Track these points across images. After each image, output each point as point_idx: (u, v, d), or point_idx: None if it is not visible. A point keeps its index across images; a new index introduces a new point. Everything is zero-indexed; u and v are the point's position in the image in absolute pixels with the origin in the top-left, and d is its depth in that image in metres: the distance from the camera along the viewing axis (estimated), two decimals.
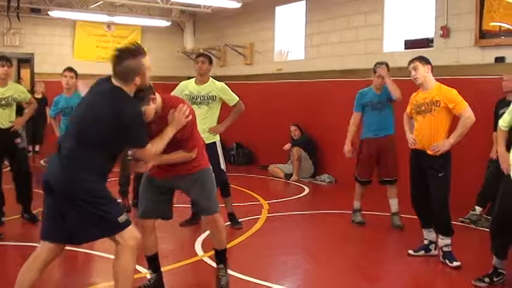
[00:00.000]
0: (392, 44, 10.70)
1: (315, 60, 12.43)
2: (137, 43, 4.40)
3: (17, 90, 7.57)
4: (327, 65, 11.99)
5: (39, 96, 15.29)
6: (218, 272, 5.23)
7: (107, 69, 8.49)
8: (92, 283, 5.53)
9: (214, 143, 7.26)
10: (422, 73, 6.11)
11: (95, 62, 15.65)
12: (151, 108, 4.54)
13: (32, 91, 15.57)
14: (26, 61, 16.44)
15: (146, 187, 5.07)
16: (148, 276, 5.21)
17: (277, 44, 14.00)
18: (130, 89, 4.25)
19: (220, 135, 7.48)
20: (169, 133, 4.60)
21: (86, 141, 4.14)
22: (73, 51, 16.14)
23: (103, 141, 4.15)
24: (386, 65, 7.85)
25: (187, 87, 7.47)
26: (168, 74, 15.56)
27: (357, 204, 8.02)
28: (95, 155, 4.14)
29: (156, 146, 4.48)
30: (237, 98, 7.50)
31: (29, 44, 15.69)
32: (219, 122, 7.50)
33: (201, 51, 15.54)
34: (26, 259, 4.28)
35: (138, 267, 5.73)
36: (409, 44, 10.29)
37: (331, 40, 12.00)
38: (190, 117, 4.73)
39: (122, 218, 4.20)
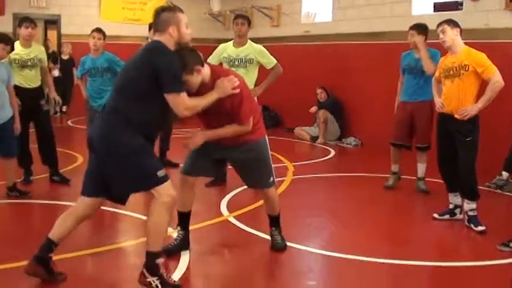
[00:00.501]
0: (421, 7, 10.55)
1: (342, 23, 12.32)
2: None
3: (41, 51, 7.64)
4: (354, 28, 11.87)
5: (66, 57, 15.41)
6: (272, 233, 5.37)
7: (133, 30, 8.51)
8: (118, 241, 5.63)
9: None
10: (451, 36, 6.04)
11: (122, 23, 15.68)
12: (195, 79, 4.56)
13: (59, 52, 15.69)
14: (52, 22, 16.53)
15: (202, 147, 4.96)
16: (175, 234, 5.29)
17: (305, 5, 13.88)
18: (167, 41, 4.36)
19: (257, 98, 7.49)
20: (212, 96, 4.58)
21: (126, 94, 4.29)
22: (100, 12, 16.15)
23: (142, 92, 4.24)
24: (423, 29, 7.50)
25: (225, 50, 7.51)
26: (194, 36, 15.41)
27: (393, 167, 7.95)
28: (135, 108, 4.23)
29: (194, 101, 4.42)
30: (275, 61, 7.51)
31: (56, 5, 15.74)
32: (256, 85, 7.50)
33: (228, 12, 15.51)
34: (52, 217, 4.36)
35: None
36: (438, 7, 10.14)
37: (358, 2, 11.87)
38: (238, 90, 4.72)
39: (160, 173, 4.27)
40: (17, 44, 7.45)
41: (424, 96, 7.49)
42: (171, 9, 4.46)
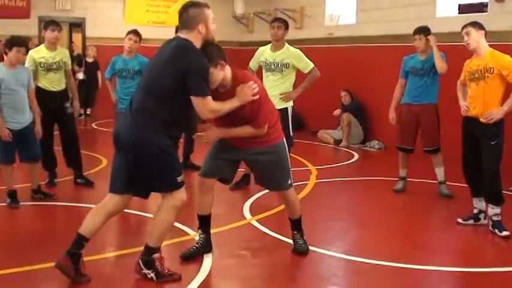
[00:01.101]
0: (446, 9, 10.48)
1: (366, 25, 12.28)
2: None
3: (65, 55, 7.69)
4: (378, 30, 11.83)
5: (90, 60, 15.51)
6: (294, 237, 5.37)
7: (157, 33, 8.53)
8: (140, 244, 5.60)
9: (286, 108, 7.33)
10: (476, 38, 5.99)
11: (146, 26, 15.73)
12: (218, 73, 4.60)
13: (83, 55, 15.81)
14: (77, 25, 16.67)
15: (216, 148, 5.11)
16: (197, 237, 5.31)
17: (328, 7, 13.85)
18: (195, 38, 4.45)
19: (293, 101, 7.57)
20: (233, 102, 4.65)
21: (154, 93, 4.38)
22: (124, 15, 16.25)
23: (169, 92, 4.33)
24: (425, 31, 7.58)
25: (263, 54, 7.54)
26: (218, 38, 15.43)
27: (400, 172, 7.93)
28: (162, 108, 4.33)
29: (218, 105, 4.53)
30: (312, 65, 7.50)
31: (80, 8, 15.88)
32: (293, 88, 7.53)
33: (252, 15, 15.52)
34: (76, 219, 4.41)
35: (187, 229, 5.87)
36: (463, 9, 10.09)
37: (382, 4, 11.82)
38: (258, 96, 4.73)
39: (180, 178, 4.49)
40: (42, 47, 7.54)
41: (429, 98, 7.54)
42: (199, 5, 4.51)
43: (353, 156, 10.89)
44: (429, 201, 7.53)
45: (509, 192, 7.48)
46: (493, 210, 6.03)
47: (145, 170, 4.44)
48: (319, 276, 5.02)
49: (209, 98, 4.38)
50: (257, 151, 4.99)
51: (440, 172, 7.68)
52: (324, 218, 6.61)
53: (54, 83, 7.48)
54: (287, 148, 5.19)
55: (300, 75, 7.67)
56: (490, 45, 6.12)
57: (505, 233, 5.91)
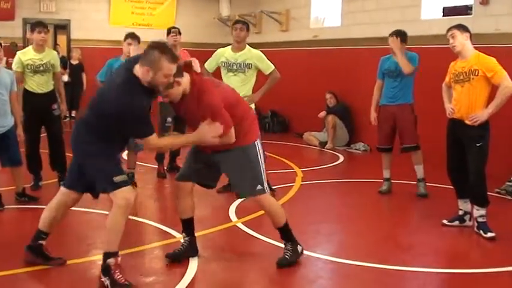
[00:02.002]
0: (430, 11, 10.52)
1: (352, 27, 12.30)
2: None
3: (54, 57, 7.62)
4: (363, 32, 11.85)
5: (75, 62, 15.41)
6: (284, 246, 5.20)
7: (142, 35, 8.46)
8: (127, 247, 5.54)
9: None
10: (461, 41, 6.02)
11: (131, 28, 15.66)
12: (175, 90, 4.61)
13: (68, 57, 15.73)
14: (62, 27, 16.57)
15: (192, 153, 5.10)
16: (182, 240, 5.27)
17: (314, 10, 13.86)
18: (142, 74, 4.38)
19: (255, 103, 7.49)
20: (187, 139, 4.81)
21: (97, 113, 4.52)
22: (109, 17, 16.18)
23: (109, 119, 4.41)
24: (400, 34, 7.66)
25: (223, 55, 7.49)
26: (203, 40, 15.59)
27: (384, 173, 8.01)
28: (101, 129, 4.49)
29: (161, 142, 4.76)
30: (273, 67, 7.49)
31: (65, 10, 15.79)
32: (254, 91, 7.50)
33: (237, 17, 15.51)
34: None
35: (172, 232, 5.86)
36: (447, 11, 10.12)
37: (367, 7, 11.84)
38: (217, 139, 4.67)
39: (118, 179, 4.49)
40: (30, 49, 7.46)
41: (404, 98, 7.66)
42: (162, 51, 4.36)
43: (338, 158, 10.90)
44: (414, 203, 7.58)
45: (495, 194, 7.54)
46: (478, 211, 6.05)
47: (86, 170, 4.61)
48: (305, 279, 5.00)
49: (150, 137, 4.46)
50: (226, 152, 4.89)
51: (419, 169, 7.77)
52: (309, 220, 6.59)
53: (41, 85, 7.41)
54: (260, 151, 5.01)
55: (260, 78, 7.63)
56: (475, 48, 6.15)
57: (490, 234, 5.93)
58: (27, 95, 7.28)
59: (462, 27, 6.07)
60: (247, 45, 7.52)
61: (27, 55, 7.36)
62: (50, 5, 15.58)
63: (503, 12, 9.04)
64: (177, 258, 5.08)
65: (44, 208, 4.92)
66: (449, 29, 6.11)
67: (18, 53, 7.47)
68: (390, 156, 7.91)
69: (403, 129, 7.71)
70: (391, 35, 7.71)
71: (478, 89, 5.94)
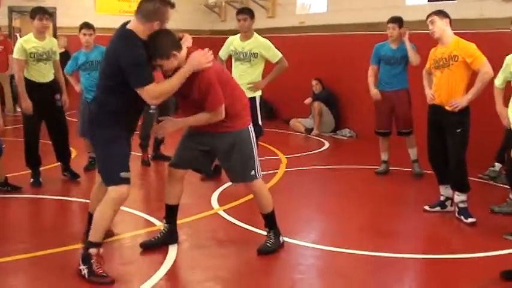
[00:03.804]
0: None
1: (337, 13, 12.26)
2: None
3: (54, 44, 7.42)
4: (349, 18, 11.81)
5: (61, 50, 15.26)
6: (267, 234, 5.20)
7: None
8: (116, 233, 5.55)
9: (254, 98, 7.31)
10: (440, 27, 6.02)
11: (117, 16, 15.57)
12: (171, 63, 4.52)
13: None
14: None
15: (185, 139, 5.09)
16: (162, 227, 5.27)
17: None
18: (145, 30, 4.40)
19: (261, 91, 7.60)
20: (182, 73, 4.51)
21: (103, 83, 4.52)
22: (95, 5, 16.08)
23: (114, 81, 4.39)
24: (400, 21, 7.96)
25: (232, 43, 7.54)
26: (190, 27, 15.40)
27: (382, 156, 8.24)
28: (110, 98, 4.44)
29: (161, 87, 4.45)
30: (280, 55, 7.53)
31: None
32: (263, 78, 7.55)
33: (224, 3, 15.45)
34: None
35: (153, 220, 5.86)
36: None
37: None
38: (211, 64, 4.65)
39: (123, 175, 4.47)
40: (31, 36, 7.18)
41: (401, 84, 7.97)
42: (164, 1, 4.43)
43: (324, 144, 10.89)
44: (398, 189, 7.62)
45: (478, 179, 7.57)
46: (459, 197, 6.07)
47: (96, 153, 4.73)
48: (285, 266, 5.02)
49: (149, 86, 4.34)
50: (220, 136, 4.90)
51: (413, 152, 8.06)
52: (290, 207, 6.59)
53: (43, 74, 7.20)
54: (254, 137, 5.07)
55: (268, 65, 7.64)
56: (459, 33, 6.16)
57: (470, 220, 5.95)
58: (29, 85, 7.08)
59: (442, 13, 6.06)
60: (254, 34, 7.55)
61: (29, 43, 7.10)
62: None
63: None
64: (152, 247, 5.09)
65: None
66: (428, 15, 6.11)
67: (20, 40, 7.26)
68: (388, 139, 8.17)
69: (400, 115, 7.99)
70: (394, 22, 7.95)
71: (458, 74, 5.95)
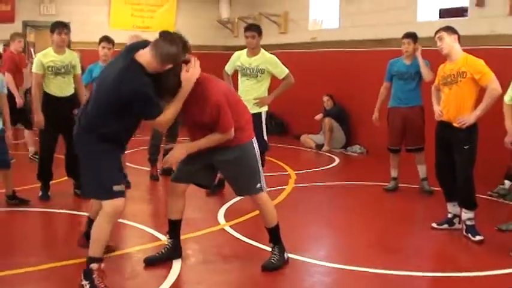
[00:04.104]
0: (427, 13, 10.48)
1: (349, 30, 12.26)
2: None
3: (74, 58, 7.41)
4: (361, 35, 11.82)
5: None
6: (271, 250, 5.17)
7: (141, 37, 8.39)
8: (118, 248, 5.56)
9: (260, 113, 7.33)
10: (449, 43, 6.00)
11: (131, 31, 15.68)
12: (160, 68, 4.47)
13: None
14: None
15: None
16: (166, 242, 5.27)
17: (312, 12, 13.83)
18: (156, 69, 4.37)
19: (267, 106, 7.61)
20: (182, 95, 4.54)
21: (98, 106, 4.46)
22: (109, 20, 16.20)
23: (111, 110, 4.36)
24: (415, 37, 7.95)
25: (239, 59, 7.56)
26: (203, 43, 15.54)
27: (392, 173, 8.20)
28: (102, 122, 4.42)
29: (167, 115, 4.47)
30: (287, 71, 7.54)
31: (65, 12, 15.73)
32: (269, 93, 7.57)
33: (237, 20, 15.52)
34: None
35: (158, 235, 5.85)
36: (444, 13, 10.10)
37: (364, 9, 11.81)
38: (198, 72, 4.62)
39: (116, 188, 4.46)
40: (50, 50, 7.23)
41: (415, 101, 7.93)
42: (186, 48, 4.45)
43: (334, 160, 10.86)
44: (407, 206, 7.57)
45: (487, 197, 7.51)
46: (467, 214, 6.02)
47: (83, 173, 4.68)
48: (290, 282, 4.98)
49: (160, 116, 4.41)
50: (223, 151, 4.89)
51: (422, 169, 7.99)
52: (299, 223, 6.58)
53: (62, 88, 7.22)
54: (257, 150, 5.06)
55: (274, 81, 7.65)
56: (470, 50, 6.15)
57: (478, 237, 5.90)
58: (48, 99, 7.12)
59: (450, 29, 6.05)
60: (261, 50, 7.58)
61: (47, 57, 7.14)
62: (50, 7, 15.60)
63: (499, 14, 8.98)
64: (156, 262, 5.08)
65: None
66: (437, 31, 6.10)
67: (38, 54, 7.32)
68: (399, 156, 8.13)
69: (412, 131, 7.93)
70: (408, 37, 7.97)
71: (466, 91, 5.91)
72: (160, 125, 4.57)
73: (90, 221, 4.88)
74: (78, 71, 7.46)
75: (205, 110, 4.66)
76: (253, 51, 7.50)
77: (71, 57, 7.37)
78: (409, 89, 7.89)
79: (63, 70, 7.20)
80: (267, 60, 7.47)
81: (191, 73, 4.56)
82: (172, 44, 4.34)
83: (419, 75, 7.85)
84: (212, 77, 4.92)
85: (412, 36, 7.97)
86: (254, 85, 7.42)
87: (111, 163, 4.52)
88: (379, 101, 8.19)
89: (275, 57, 7.56)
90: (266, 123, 7.54)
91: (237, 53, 7.72)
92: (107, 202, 4.45)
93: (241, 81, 7.54)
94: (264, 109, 7.45)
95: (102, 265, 4.48)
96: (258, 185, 5.03)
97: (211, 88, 4.72)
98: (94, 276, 4.41)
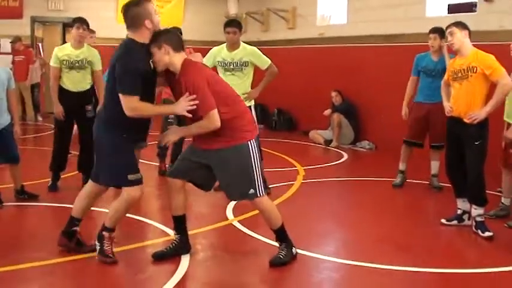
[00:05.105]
0: (435, 8, 10.44)
1: (357, 25, 12.22)
2: None
3: (92, 54, 7.42)
4: (369, 30, 11.77)
5: None
6: (278, 247, 5.15)
7: None
8: (124, 244, 5.53)
9: (250, 107, 7.27)
10: (460, 38, 5.96)
11: None
12: (161, 55, 4.67)
13: None
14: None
15: (186, 150, 5.16)
16: (174, 238, 5.26)
17: (320, 8, 13.80)
18: (142, 35, 4.68)
19: (257, 99, 7.57)
20: (164, 109, 5.26)
21: (107, 91, 4.84)
22: (117, 15, 16.17)
23: (114, 89, 4.64)
24: (441, 32, 7.50)
25: (219, 54, 7.44)
26: (211, 38, 15.49)
27: (400, 166, 8.12)
28: (111, 105, 4.72)
29: (140, 104, 4.61)
30: (269, 61, 7.46)
31: (73, 8, 15.74)
32: (252, 87, 7.49)
33: (244, 16, 15.49)
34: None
35: (167, 230, 5.83)
36: (452, 8, 10.05)
37: (372, 4, 11.76)
38: (194, 107, 4.66)
39: (131, 177, 4.79)
40: (68, 44, 7.39)
41: (440, 97, 7.52)
42: (139, 2, 4.67)
43: (342, 156, 10.83)
44: (416, 201, 7.55)
45: (496, 193, 7.46)
46: (477, 210, 5.99)
47: (99, 164, 4.94)
48: (297, 277, 4.96)
49: (131, 97, 4.55)
50: (218, 151, 4.84)
51: (435, 165, 7.94)
52: (307, 218, 6.56)
53: (75, 83, 7.27)
54: (255, 153, 4.90)
55: (258, 73, 7.62)
56: (479, 45, 6.11)
57: (487, 233, 5.87)
58: (61, 93, 7.22)
59: (461, 25, 6.01)
60: (241, 43, 7.50)
61: (63, 50, 7.26)
62: (58, 3, 15.61)
63: (508, 9, 8.95)
64: (163, 258, 5.07)
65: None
66: (447, 27, 6.07)
67: (56, 48, 7.39)
68: (411, 151, 8.05)
69: (436, 128, 7.77)
70: (435, 32, 7.74)
71: (477, 86, 5.88)
72: (125, 103, 4.56)
73: (71, 219, 5.17)
74: (98, 67, 7.48)
75: (186, 91, 4.70)
76: (233, 46, 7.41)
77: (88, 53, 7.39)
78: (437, 86, 7.38)
79: (77, 64, 7.27)
80: (249, 52, 7.41)
81: (183, 106, 4.67)
82: (128, 9, 4.69)
83: (445, 71, 7.63)
84: (197, 63, 4.90)
85: (438, 31, 7.68)
86: (239, 79, 7.33)
87: (126, 154, 4.79)
88: (407, 96, 8.07)
89: (256, 48, 7.51)
90: (257, 115, 7.50)
91: (216, 48, 7.58)
92: (125, 189, 4.83)
93: (225, 76, 7.29)
94: (252, 102, 7.38)
95: (113, 234, 4.98)
96: (252, 191, 4.88)
97: (191, 70, 4.74)
98: (104, 241, 4.92)
